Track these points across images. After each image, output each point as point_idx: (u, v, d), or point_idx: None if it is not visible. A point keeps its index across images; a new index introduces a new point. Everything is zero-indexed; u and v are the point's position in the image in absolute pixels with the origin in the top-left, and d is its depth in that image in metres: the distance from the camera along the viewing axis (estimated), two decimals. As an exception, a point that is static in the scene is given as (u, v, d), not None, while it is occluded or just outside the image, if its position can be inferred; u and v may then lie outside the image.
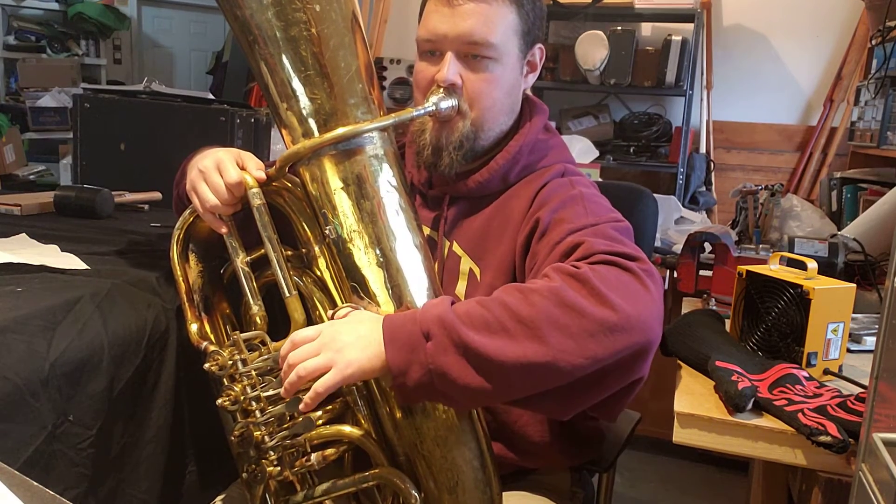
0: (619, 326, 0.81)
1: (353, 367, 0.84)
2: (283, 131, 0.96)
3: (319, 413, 0.94)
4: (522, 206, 1.04)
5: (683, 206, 2.93)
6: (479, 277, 1.05)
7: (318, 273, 0.98)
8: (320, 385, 0.83)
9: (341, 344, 0.85)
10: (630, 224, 1.00)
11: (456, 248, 1.08)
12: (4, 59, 4.56)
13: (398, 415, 0.93)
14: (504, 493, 1.01)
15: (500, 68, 1.02)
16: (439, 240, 1.09)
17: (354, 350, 0.84)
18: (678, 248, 2.15)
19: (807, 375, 1.07)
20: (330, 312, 0.94)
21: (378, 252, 0.93)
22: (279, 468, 0.95)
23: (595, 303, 0.81)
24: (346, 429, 0.95)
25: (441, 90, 0.99)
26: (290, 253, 0.99)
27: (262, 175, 0.96)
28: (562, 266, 0.86)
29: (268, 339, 0.96)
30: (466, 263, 1.06)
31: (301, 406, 0.87)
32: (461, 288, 1.06)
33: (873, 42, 2.49)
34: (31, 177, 2.34)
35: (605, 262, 0.86)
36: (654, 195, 1.45)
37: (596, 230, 0.93)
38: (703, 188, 3.17)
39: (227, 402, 0.93)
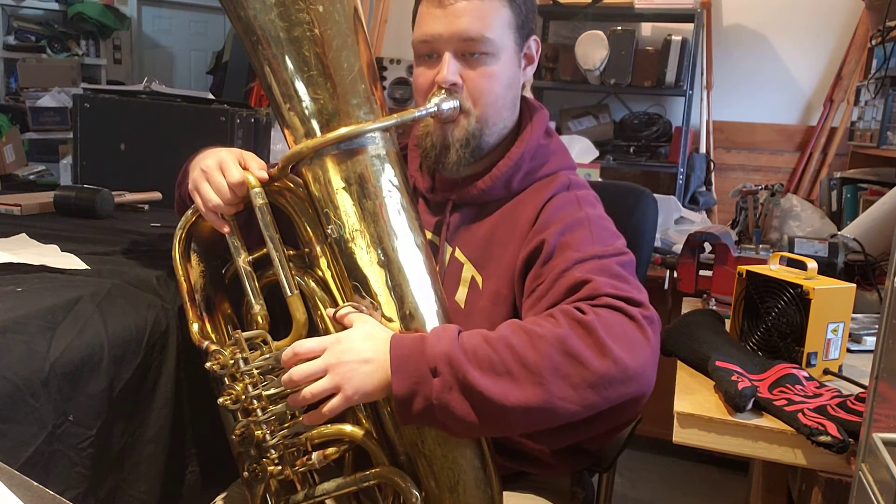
0: (619, 379, 0.84)
1: (359, 393, 0.87)
2: (286, 131, 0.96)
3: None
4: (528, 218, 1.04)
5: (683, 206, 2.93)
6: (481, 285, 1.05)
7: (320, 272, 0.98)
8: (327, 409, 0.87)
9: (347, 369, 0.86)
10: (633, 256, 1.00)
11: (458, 254, 1.08)
12: (4, 59, 4.57)
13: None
14: (504, 493, 1.01)
15: (499, 63, 1.02)
16: (441, 245, 1.09)
17: (360, 376, 0.86)
18: (678, 248, 2.15)
19: (807, 375, 1.07)
20: (330, 311, 0.94)
21: (380, 251, 0.93)
22: (280, 467, 0.95)
23: (597, 354, 0.84)
24: (348, 428, 0.95)
25: (442, 91, 1.00)
26: (291, 252, 0.99)
27: (265, 175, 0.96)
28: (568, 310, 0.88)
29: (269, 338, 0.97)
30: (469, 271, 1.06)
31: (304, 419, 0.90)
32: (461, 295, 1.06)
33: (873, 42, 2.49)
34: (32, 177, 2.34)
35: (611, 306, 0.88)
36: (654, 195, 1.44)
37: (602, 265, 0.94)
38: (703, 188, 3.17)
39: (229, 401, 0.93)
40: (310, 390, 0.86)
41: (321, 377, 0.86)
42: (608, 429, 0.91)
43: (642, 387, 0.87)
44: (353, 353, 0.87)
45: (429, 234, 1.08)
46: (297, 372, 0.87)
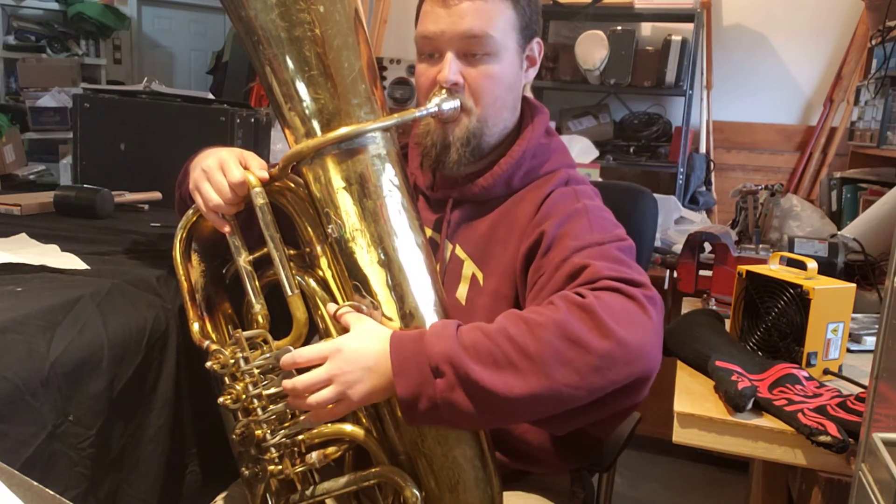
0: (622, 359, 0.83)
1: (364, 399, 0.89)
2: (287, 131, 0.96)
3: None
4: (528, 213, 1.04)
5: (683, 205, 2.93)
6: (482, 282, 1.06)
7: (321, 272, 0.98)
8: (330, 415, 0.89)
9: (352, 378, 0.87)
10: (633, 242, 1.00)
11: (459, 251, 1.08)
12: (4, 59, 4.56)
13: (399, 414, 0.93)
14: (504, 493, 1.01)
15: (501, 64, 1.02)
16: (441, 242, 1.09)
17: (364, 385, 0.87)
18: (678, 247, 2.15)
19: (807, 375, 1.07)
20: (332, 309, 0.94)
21: (380, 251, 0.93)
22: (280, 467, 0.95)
23: (599, 336, 0.83)
24: (348, 427, 0.95)
25: (443, 91, 1.00)
26: (292, 252, 0.99)
27: (265, 174, 0.96)
28: (567, 295, 0.87)
29: (269, 337, 0.97)
30: (469, 268, 1.07)
31: (304, 417, 0.91)
32: (462, 291, 1.06)
33: (873, 42, 2.50)
34: (31, 177, 2.34)
35: (610, 288, 0.87)
36: (654, 195, 1.44)
37: (601, 251, 0.94)
38: (703, 188, 3.18)
39: (229, 401, 0.93)
40: (315, 399, 0.87)
41: (325, 387, 0.87)
42: (614, 412, 0.89)
43: (647, 366, 0.85)
44: (355, 362, 0.87)
45: (429, 232, 1.09)
46: (300, 381, 0.87)
